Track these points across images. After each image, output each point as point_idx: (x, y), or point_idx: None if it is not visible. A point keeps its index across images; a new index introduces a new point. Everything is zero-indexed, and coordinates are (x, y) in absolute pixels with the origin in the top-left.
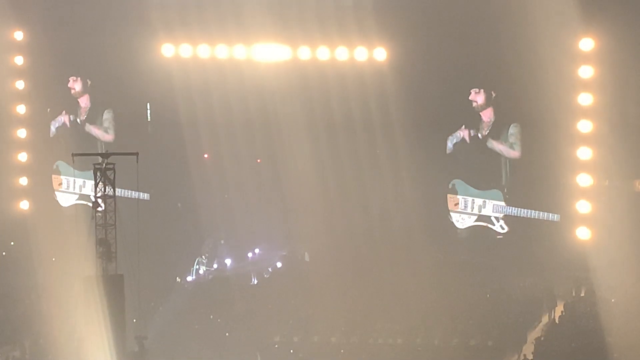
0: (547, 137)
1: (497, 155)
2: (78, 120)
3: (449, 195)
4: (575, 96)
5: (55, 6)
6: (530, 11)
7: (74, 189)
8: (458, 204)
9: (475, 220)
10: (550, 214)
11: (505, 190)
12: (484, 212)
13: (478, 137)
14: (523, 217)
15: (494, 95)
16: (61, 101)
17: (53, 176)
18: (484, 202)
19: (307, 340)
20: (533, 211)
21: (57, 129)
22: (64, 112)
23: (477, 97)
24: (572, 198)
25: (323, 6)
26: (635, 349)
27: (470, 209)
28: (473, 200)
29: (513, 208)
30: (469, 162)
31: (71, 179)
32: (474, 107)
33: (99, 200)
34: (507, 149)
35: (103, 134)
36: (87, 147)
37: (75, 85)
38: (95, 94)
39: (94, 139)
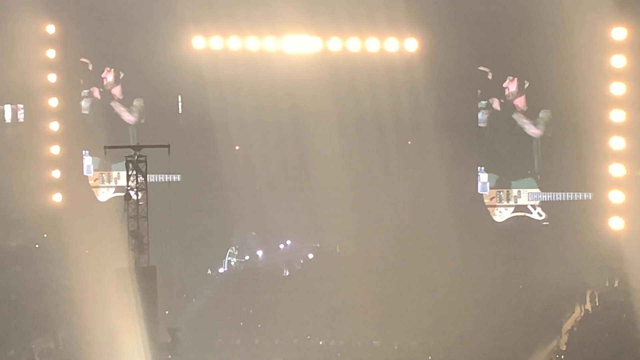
0: (580, 126)
1: (529, 142)
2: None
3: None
4: (607, 86)
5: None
6: (562, 0)
7: (109, 182)
8: (494, 197)
9: (513, 212)
10: (585, 194)
11: (539, 178)
12: (520, 202)
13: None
14: (557, 209)
15: (527, 84)
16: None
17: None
18: (519, 191)
19: (338, 332)
20: (568, 193)
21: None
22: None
23: (510, 85)
24: (605, 188)
25: None
26: None
27: (506, 201)
28: (508, 191)
29: (548, 194)
30: (500, 151)
31: (106, 172)
32: (506, 96)
33: (131, 192)
34: (530, 125)
35: (132, 118)
36: (119, 139)
37: (108, 75)
38: (126, 86)
39: (125, 130)
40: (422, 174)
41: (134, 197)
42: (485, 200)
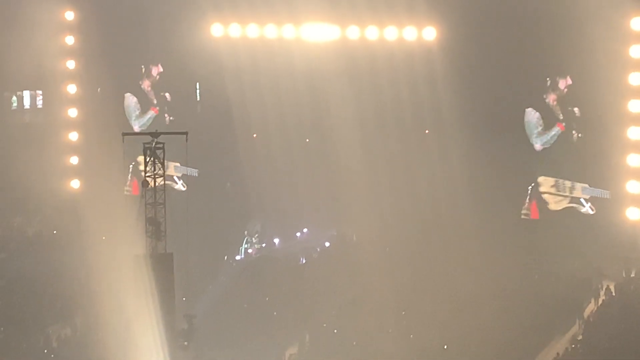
0: (598, 116)
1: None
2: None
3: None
4: (626, 76)
5: None
6: None
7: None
8: (554, 185)
9: (570, 202)
10: (602, 191)
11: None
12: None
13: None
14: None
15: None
16: (113, 80)
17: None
18: (573, 184)
19: (354, 321)
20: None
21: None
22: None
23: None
24: (623, 178)
25: None
26: None
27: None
28: (563, 182)
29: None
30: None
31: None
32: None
33: (148, 179)
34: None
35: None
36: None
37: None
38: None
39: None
40: (441, 163)
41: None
42: (542, 188)
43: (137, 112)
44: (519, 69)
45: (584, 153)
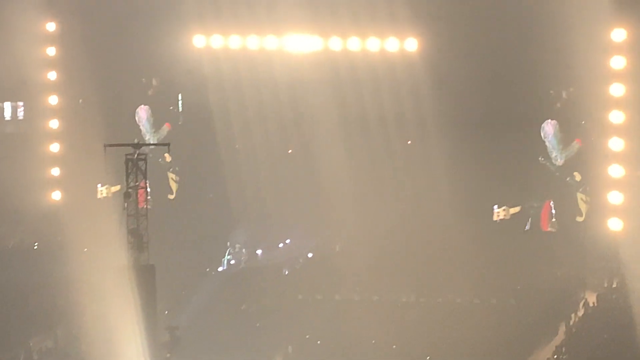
0: (579, 128)
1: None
2: None
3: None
4: (607, 87)
5: None
6: (562, 2)
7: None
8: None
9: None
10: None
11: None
12: None
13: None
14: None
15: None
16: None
17: None
18: None
19: (337, 331)
20: None
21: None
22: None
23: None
24: (604, 189)
25: None
26: None
27: None
28: None
29: None
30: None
31: None
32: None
33: (130, 191)
34: None
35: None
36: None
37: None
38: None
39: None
40: (424, 173)
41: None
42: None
43: (149, 127)
44: (499, 80)
45: (565, 163)
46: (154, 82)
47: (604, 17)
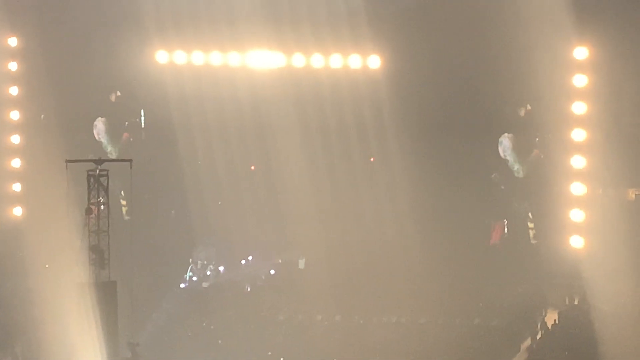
0: (541, 145)
1: None
2: None
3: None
4: (569, 104)
5: (49, 12)
6: (525, 19)
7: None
8: None
9: None
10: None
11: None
12: None
13: None
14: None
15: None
16: (56, 106)
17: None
18: None
19: (300, 348)
20: None
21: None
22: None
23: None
24: (566, 206)
25: (317, 13)
26: (628, 358)
27: None
28: None
29: None
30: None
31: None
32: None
33: (91, 207)
34: None
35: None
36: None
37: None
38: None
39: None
40: (387, 189)
41: (95, 212)
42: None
43: (108, 138)
44: (462, 95)
45: (527, 181)
46: (114, 97)
47: (566, 35)
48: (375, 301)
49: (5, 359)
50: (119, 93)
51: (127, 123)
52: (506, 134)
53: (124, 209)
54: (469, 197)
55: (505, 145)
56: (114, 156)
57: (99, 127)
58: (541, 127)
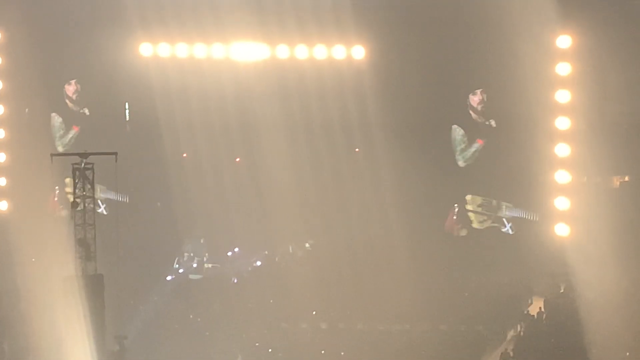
0: (525, 134)
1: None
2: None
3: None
4: (553, 93)
5: (33, 6)
6: (508, 8)
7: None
8: (481, 204)
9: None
10: (526, 211)
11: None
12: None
13: None
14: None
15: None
16: (41, 100)
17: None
18: (499, 203)
19: (286, 340)
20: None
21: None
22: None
23: (474, 99)
24: (551, 195)
25: (301, 4)
26: (613, 345)
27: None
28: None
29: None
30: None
31: None
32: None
33: (77, 200)
34: None
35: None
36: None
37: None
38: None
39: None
40: (372, 181)
41: (81, 205)
42: (469, 206)
43: (61, 132)
44: (447, 86)
45: (512, 170)
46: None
47: (549, 23)
48: (359, 292)
49: None
50: (74, 83)
51: (85, 110)
52: (454, 125)
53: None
54: (452, 187)
55: (451, 136)
56: (61, 150)
57: (52, 122)
58: (525, 115)
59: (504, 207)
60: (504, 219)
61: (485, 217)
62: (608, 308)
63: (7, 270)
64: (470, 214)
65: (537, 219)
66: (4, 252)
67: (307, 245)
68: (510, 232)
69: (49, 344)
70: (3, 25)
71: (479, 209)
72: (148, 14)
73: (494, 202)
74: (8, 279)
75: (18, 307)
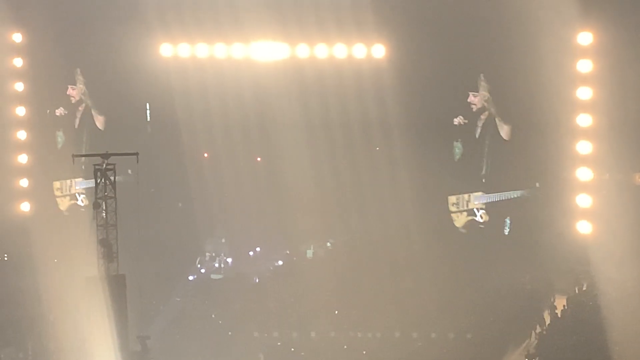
0: (547, 131)
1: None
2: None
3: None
4: (574, 90)
5: (53, 7)
6: (528, 6)
7: (67, 190)
8: (455, 203)
9: (467, 215)
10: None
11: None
12: (470, 205)
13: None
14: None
15: (488, 96)
16: (61, 102)
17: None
18: (469, 195)
19: (307, 337)
20: (506, 193)
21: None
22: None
23: (475, 100)
24: (573, 192)
25: (321, 3)
26: (636, 342)
27: (463, 206)
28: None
29: (491, 195)
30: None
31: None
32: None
33: (99, 201)
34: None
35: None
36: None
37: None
38: (94, 94)
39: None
40: (391, 179)
41: (103, 206)
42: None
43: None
44: (468, 85)
45: (536, 166)
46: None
47: (570, 20)
48: (379, 290)
49: (18, 354)
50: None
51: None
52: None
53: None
54: (472, 185)
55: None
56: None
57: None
58: (547, 113)
59: (473, 197)
60: (475, 209)
61: (459, 213)
62: (630, 305)
63: (30, 271)
64: (452, 215)
65: (560, 216)
66: (26, 253)
67: (328, 244)
68: (480, 220)
69: (71, 344)
70: (24, 27)
71: (454, 207)
72: (168, 14)
73: (466, 196)
74: (31, 279)
75: (41, 308)
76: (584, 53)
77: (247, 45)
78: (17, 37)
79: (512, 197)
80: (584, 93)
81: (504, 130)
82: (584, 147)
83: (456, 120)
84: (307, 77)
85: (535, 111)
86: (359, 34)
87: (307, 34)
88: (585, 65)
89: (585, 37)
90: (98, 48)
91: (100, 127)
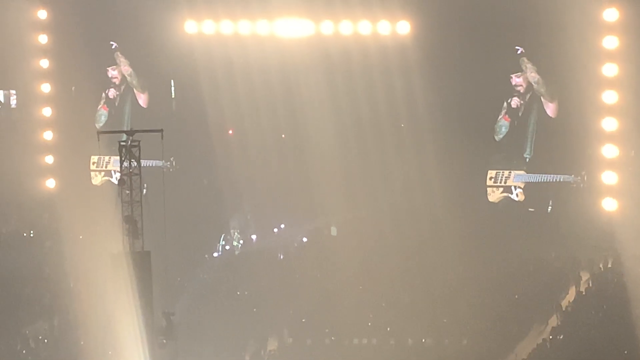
0: (572, 108)
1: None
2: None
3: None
4: (600, 67)
5: None
6: None
7: (103, 166)
8: (493, 177)
9: (502, 192)
10: (567, 176)
11: (528, 160)
12: (509, 182)
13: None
14: (551, 190)
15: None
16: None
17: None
18: (510, 172)
19: (333, 315)
20: (550, 175)
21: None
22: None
23: (519, 81)
24: (598, 169)
25: None
26: None
27: (500, 181)
28: (502, 172)
29: (533, 175)
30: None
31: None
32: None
33: (124, 178)
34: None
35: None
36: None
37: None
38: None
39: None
40: (416, 156)
41: (128, 182)
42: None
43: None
44: (493, 62)
45: (559, 144)
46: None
47: None
48: (405, 266)
49: (43, 330)
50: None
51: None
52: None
53: None
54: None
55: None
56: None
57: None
58: (572, 89)
59: (513, 175)
60: (512, 187)
61: (496, 189)
62: None
63: (56, 247)
64: (488, 189)
65: (585, 194)
66: (52, 230)
67: (351, 219)
68: (516, 198)
69: (97, 320)
70: (48, 4)
71: (491, 182)
72: None
73: (506, 172)
74: (57, 256)
75: (66, 284)
76: (609, 29)
77: (271, 22)
78: (42, 14)
79: (555, 180)
80: (610, 69)
81: (550, 108)
82: (609, 123)
83: (514, 103)
84: (332, 53)
85: (561, 88)
86: (383, 10)
87: (332, 10)
88: (611, 42)
89: (611, 13)
90: (123, 25)
91: (143, 105)
